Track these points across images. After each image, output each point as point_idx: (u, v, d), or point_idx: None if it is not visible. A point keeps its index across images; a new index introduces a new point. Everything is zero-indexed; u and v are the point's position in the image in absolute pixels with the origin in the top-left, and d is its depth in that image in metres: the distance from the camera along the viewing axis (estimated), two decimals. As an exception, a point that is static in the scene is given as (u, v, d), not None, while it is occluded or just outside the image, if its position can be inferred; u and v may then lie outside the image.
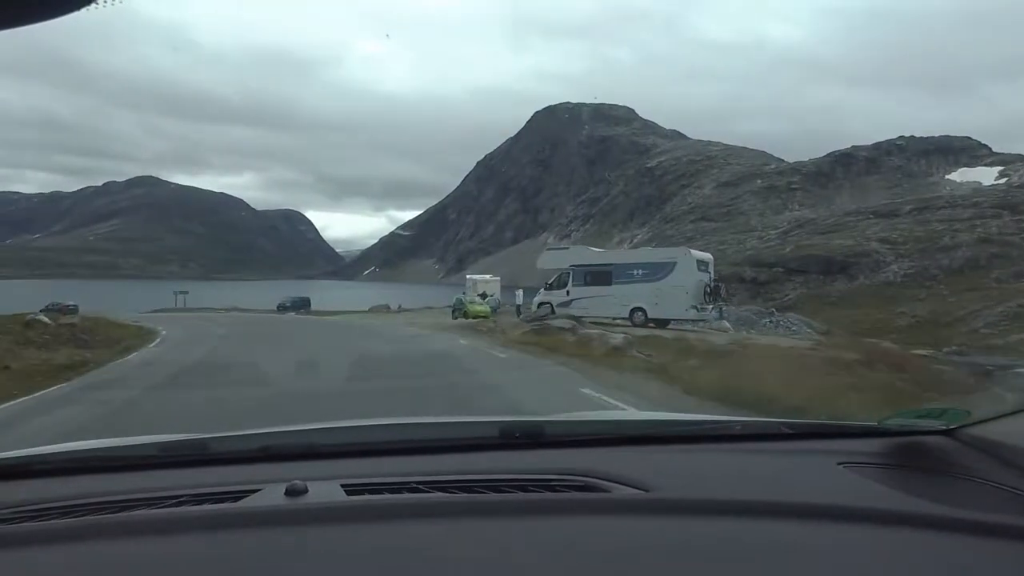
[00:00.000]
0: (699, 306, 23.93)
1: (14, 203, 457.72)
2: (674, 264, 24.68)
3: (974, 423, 1.38)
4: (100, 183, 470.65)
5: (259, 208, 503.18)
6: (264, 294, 70.80)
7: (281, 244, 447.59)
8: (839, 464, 1.34)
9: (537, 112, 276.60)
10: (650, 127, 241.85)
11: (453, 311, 34.65)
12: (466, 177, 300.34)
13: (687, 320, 23.81)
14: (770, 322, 30.38)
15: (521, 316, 29.74)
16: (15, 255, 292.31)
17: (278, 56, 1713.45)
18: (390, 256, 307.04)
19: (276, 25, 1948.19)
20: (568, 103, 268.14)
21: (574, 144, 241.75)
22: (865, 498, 1.15)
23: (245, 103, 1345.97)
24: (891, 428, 1.50)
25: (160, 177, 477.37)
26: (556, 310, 25.87)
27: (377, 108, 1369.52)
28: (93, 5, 0.72)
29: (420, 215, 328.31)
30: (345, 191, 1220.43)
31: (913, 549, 0.99)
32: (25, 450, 1.54)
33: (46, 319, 19.08)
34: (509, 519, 1.07)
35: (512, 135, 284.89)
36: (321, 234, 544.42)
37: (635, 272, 25.24)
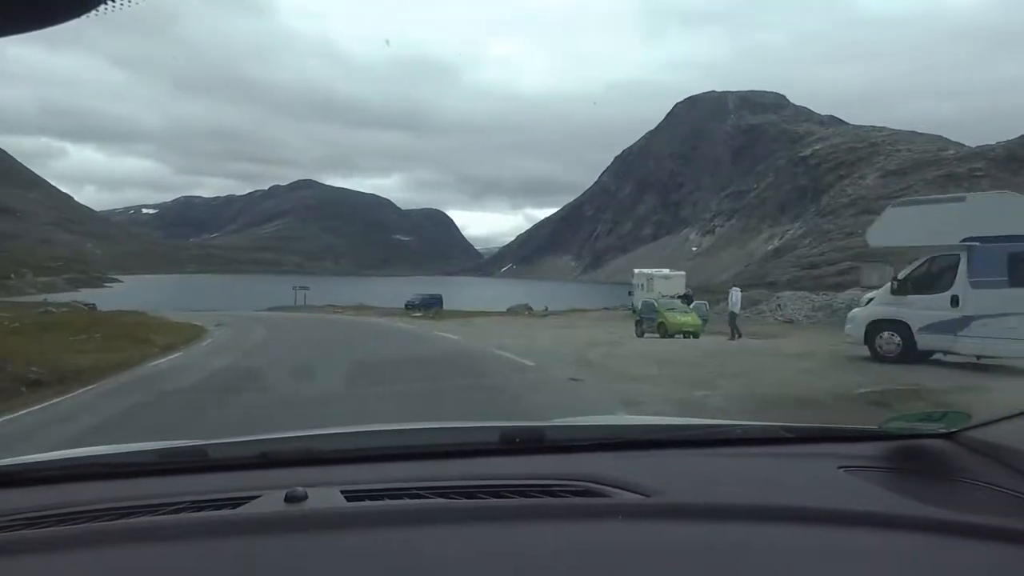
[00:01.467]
0: None
1: (195, 206, 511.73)
2: None
3: (975, 426, 1.38)
4: (266, 187, 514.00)
5: (404, 208, 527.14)
6: (401, 291, 66.26)
7: (424, 242, 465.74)
8: (840, 468, 1.35)
9: (678, 103, 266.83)
10: (803, 113, 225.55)
11: (638, 322, 25.24)
12: (603, 173, 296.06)
13: None
14: None
15: (737, 336, 20.93)
16: (197, 253, 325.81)
17: (419, 63, 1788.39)
18: (527, 253, 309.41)
19: (416, 34, 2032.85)
20: (712, 91, 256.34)
21: (719, 135, 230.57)
22: (866, 502, 1.15)
23: (391, 109, 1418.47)
24: (892, 431, 1.50)
25: (318, 180, 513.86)
26: (923, 337, 12.33)
27: (514, 108, 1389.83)
28: (103, 7, 0.72)
29: (556, 212, 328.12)
30: (484, 190, 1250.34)
31: (914, 553, 0.98)
32: (22, 457, 1.54)
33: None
34: (510, 524, 1.07)
35: (651, 128, 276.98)
36: (462, 232, 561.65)
37: None
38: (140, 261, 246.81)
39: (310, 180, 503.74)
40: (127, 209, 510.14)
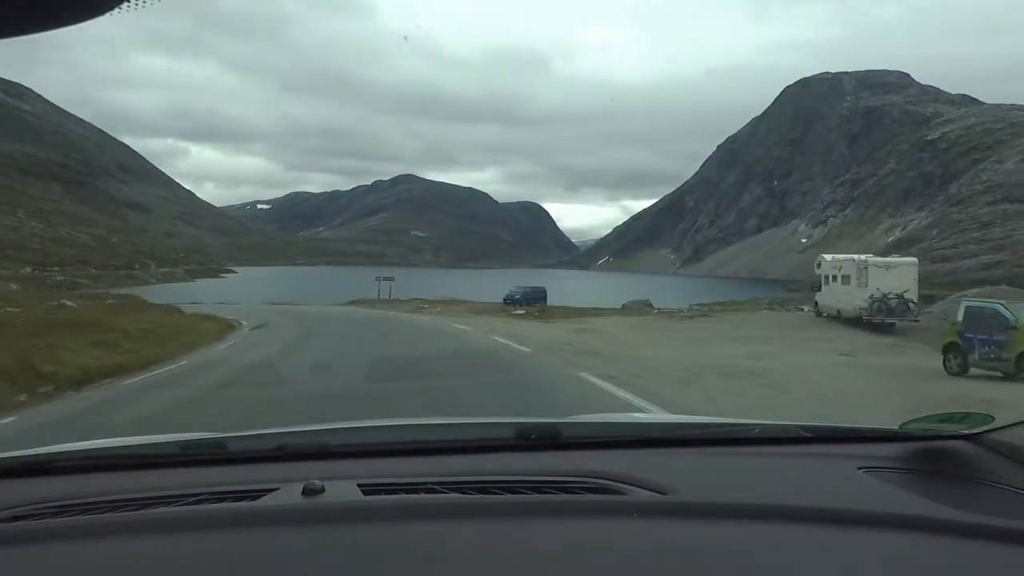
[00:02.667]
0: None
1: (304, 201, 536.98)
2: None
3: (997, 428, 1.37)
4: (370, 182, 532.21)
5: (501, 201, 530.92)
6: (498, 283, 62.68)
7: (520, 234, 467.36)
8: (859, 469, 1.33)
9: (788, 87, 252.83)
10: (930, 93, 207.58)
11: (950, 348, 13.98)
12: (705, 162, 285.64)
13: None
14: None
15: None
16: (305, 245, 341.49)
17: (515, 55, 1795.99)
18: (623, 246, 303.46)
19: (511, 26, 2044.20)
20: (827, 73, 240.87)
21: (832, 119, 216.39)
22: (886, 503, 1.13)
23: (487, 102, 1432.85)
24: (913, 433, 1.48)
25: (417, 175, 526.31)
26: None
27: (609, 97, 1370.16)
28: (125, 5, 0.73)
29: (654, 204, 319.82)
30: (580, 182, 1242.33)
31: (935, 555, 0.97)
32: (47, 447, 1.57)
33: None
34: (524, 520, 1.07)
35: (757, 114, 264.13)
36: (557, 224, 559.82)
37: None
38: (254, 253, 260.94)
39: (410, 175, 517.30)
40: (243, 204, 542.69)
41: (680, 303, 43.08)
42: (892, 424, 1.55)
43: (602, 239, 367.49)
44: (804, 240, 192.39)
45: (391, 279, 51.79)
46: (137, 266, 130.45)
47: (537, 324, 25.66)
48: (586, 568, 0.93)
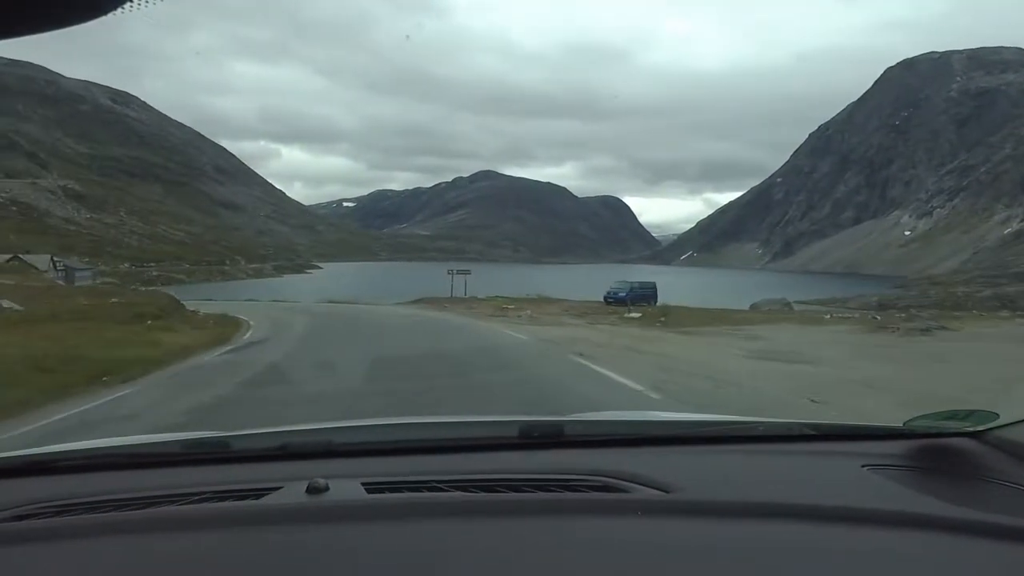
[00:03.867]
0: None
1: (388, 199, 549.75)
2: None
3: (1002, 425, 1.37)
4: (450, 179, 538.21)
5: (580, 195, 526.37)
6: (584, 279, 58.43)
7: (600, 229, 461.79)
8: (863, 466, 1.33)
9: (889, 69, 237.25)
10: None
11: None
12: (796, 151, 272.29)
13: None
14: None
15: None
16: (388, 242, 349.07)
17: (591, 48, 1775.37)
18: (708, 240, 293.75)
19: (588, 18, 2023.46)
20: (933, 53, 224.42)
21: (939, 102, 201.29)
22: (890, 501, 1.13)
23: (564, 96, 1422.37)
24: (917, 430, 1.48)
25: (497, 171, 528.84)
26: None
27: (690, 88, 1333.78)
28: (128, 5, 0.73)
29: (741, 196, 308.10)
30: (661, 175, 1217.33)
31: (940, 553, 0.97)
32: (51, 446, 1.57)
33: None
34: (529, 519, 1.07)
35: (854, 99, 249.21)
36: (638, 219, 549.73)
37: None
38: (339, 249, 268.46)
39: (489, 171, 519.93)
40: (330, 203, 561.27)
41: (772, 298, 38.18)
42: (896, 422, 1.55)
43: (685, 233, 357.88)
44: (907, 233, 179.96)
45: (466, 272, 42.75)
46: (227, 262, 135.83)
47: (683, 339, 16.62)
48: (590, 566, 0.93)
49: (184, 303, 27.13)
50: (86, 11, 0.71)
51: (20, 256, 69.21)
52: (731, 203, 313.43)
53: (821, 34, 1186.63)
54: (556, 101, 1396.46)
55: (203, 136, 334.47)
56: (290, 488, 1.18)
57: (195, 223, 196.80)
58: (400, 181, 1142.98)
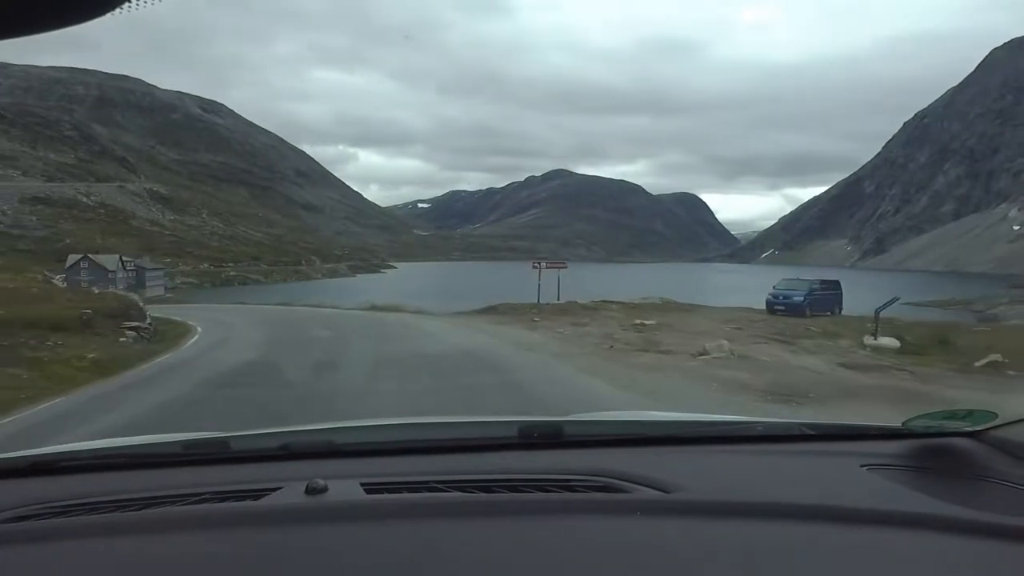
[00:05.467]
0: None
1: (461, 199, 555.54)
2: None
3: (1001, 425, 1.37)
4: (522, 178, 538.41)
5: (654, 193, 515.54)
6: (678, 278, 49.94)
7: (676, 227, 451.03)
8: (862, 466, 1.34)
9: (995, 50, 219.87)
10: None
11: None
12: (888, 142, 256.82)
13: None
14: None
15: None
16: (461, 242, 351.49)
17: (662, 42, 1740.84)
18: (791, 237, 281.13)
19: (658, 12, 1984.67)
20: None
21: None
22: (889, 501, 1.14)
23: (636, 92, 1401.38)
24: (915, 430, 1.48)
25: (569, 169, 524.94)
26: None
27: (767, 79, 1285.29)
28: (127, 5, 0.73)
29: (826, 191, 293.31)
30: (737, 171, 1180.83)
31: (938, 552, 0.98)
32: (52, 447, 1.57)
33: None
34: (528, 519, 1.07)
35: (954, 85, 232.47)
36: (715, 216, 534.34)
37: None
38: (414, 250, 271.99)
39: (562, 170, 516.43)
40: (405, 204, 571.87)
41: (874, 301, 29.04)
42: (895, 422, 1.55)
43: (766, 230, 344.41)
44: (1016, 227, 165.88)
45: (560, 265, 29.31)
46: (303, 262, 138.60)
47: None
48: (590, 566, 0.93)
49: (194, 303, 25.83)
50: (85, 11, 0.71)
51: (90, 256, 71.01)
52: (815, 198, 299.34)
53: (914, 16, 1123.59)
54: (627, 97, 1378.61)
55: (285, 141, 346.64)
56: (289, 488, 1.18)
57: (277, 225, 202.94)
58: (472, 181, 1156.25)
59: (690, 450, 1.51)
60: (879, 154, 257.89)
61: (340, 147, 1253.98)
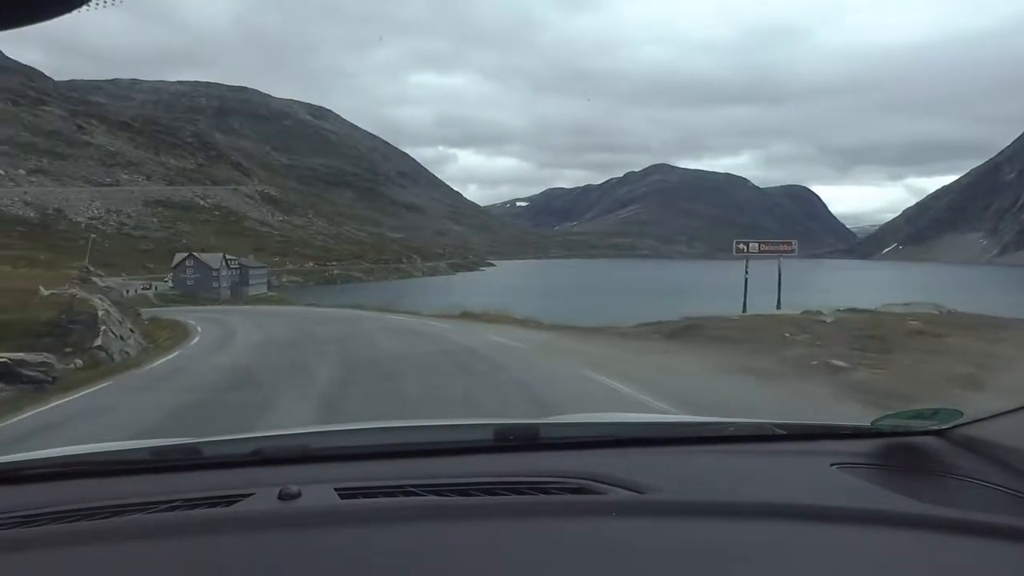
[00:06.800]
0: None
1: (558, 197, 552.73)
2: None
3: (966, 423, 1.40)
4: (621, 174, 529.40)
5: (762, 186, 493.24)
6: (808, 276, 43.93)
7: (785, 221, 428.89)
8: (832, 465, 1.36)
9: None
10: None
11: None
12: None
13: None
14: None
15: None
16: (560, 239, 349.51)
17: (767, 29, 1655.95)
18: (917, 230, 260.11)
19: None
20: None
21: None
22: (858, 499, 1.15)
23: (739, 82, 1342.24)
24: (884, 429, 1.51)
25: (669, 164, 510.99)
26: None
27: (885, 62, 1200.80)
28: (95, 3, 0.74)
29: (956, 180, 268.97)
30: (853, 160, 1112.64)
31: (906, 549, 0.99)
32: (16, 455, 1.55)
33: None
34: (503, 521, 1.08)
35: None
36: (828, 209, 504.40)
37: None
38: (513, 248, 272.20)
39: (662, 164, 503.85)
40: (503, 203, 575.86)
41: None
42: (864, 421, 1.59)
43: (887, 224, 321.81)
44: None
45: (786, 250, 22.85)
46: (404, 260, 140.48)
47: None
48: (566, 568, 0.93)
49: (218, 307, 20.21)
50: (54, 7, 0.72)
51: (195, 254, 73.01)
52: (945, 188, 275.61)
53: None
54: (730, 87, 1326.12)
55: (388, 144, 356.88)
56: (262, 494, 1.17)
57: (381, 225, 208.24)
58: (570, 179, 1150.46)
59: (664, 451, 1.54)
60: (1020, 137, 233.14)
61: (440, 148, 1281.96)
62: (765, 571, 0.94)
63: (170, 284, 70.27)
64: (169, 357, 14.71)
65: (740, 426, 1.67)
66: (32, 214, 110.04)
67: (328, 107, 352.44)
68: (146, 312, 25.42)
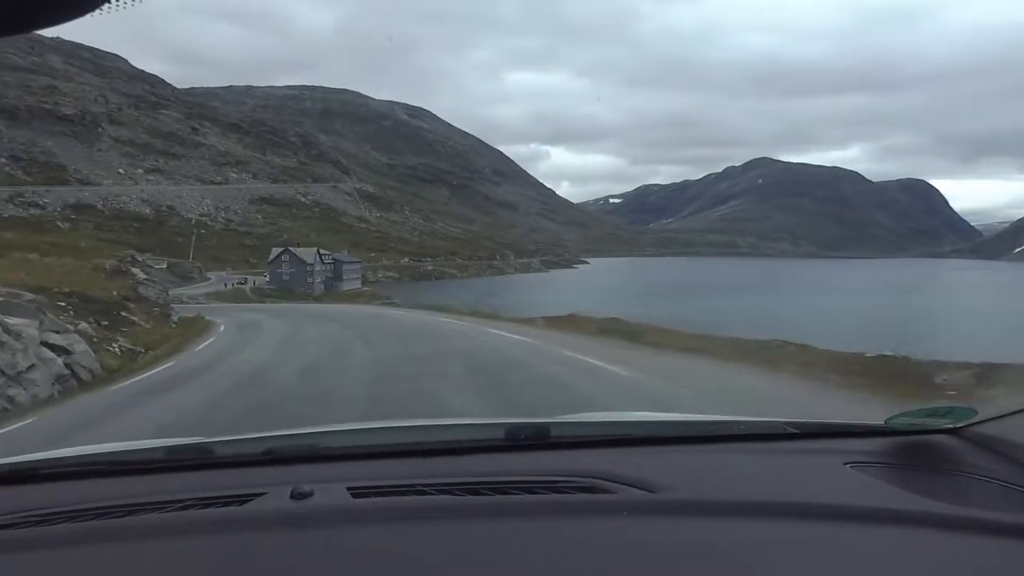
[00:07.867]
0: None
1: (653, 193, 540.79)
2: None
3: (981, 421, 1.39)
4: (720, 169, 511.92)
5: (874, 180, 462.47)
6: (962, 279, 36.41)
7: (901, 217, 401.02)
8: (845, 464, 1.35)
9: None
10: None
11: None
12: None
13: None
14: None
15: None
16: (654, 237, 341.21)
17: (883, 10, 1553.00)
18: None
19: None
20: None
21: None
22: (872, 498, 1.15)
23: (848, 69, 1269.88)
24: (897, 427, 1.50)
25: (772, 157, 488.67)
26: None
27: (1015, 43, 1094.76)
28: (107, 6, 0.73)
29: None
30: (978, 152, 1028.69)
31: (921, 548, 0.99)
32: (33, 454, 1.57)
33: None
34: (515, 521, 1.08)
35: None
36: (949, 204, 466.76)
37: None
38: (606, 245, 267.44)
39: (764, 158, 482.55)
40: (596, 200, 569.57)
41: None
42: (877, 419, 1.57)
43: (1018, 221, 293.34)
44: None
45: None
46: (497, 257, 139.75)
47: None
48: (577, 568, 0.93)
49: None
50: (67, 11, 0.72)
51: (291, 249, 73.28)
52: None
53: None
54: (838, 75, 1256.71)
55: (482, 142, 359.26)
56: (274, 493, 1.18)
57: (476, 222, 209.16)
58: (665, 175, 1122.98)
59: (675, 450, 1.53)
60: None
61: (533, 146, 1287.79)
62: (780, 571, 0.94)
63: (267, 279, 71.49)
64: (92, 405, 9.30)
65: (751, 425, 1.67)
66: (147, 211, 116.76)
67: (425, 107, 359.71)
68: (218, 308, 24.94)
